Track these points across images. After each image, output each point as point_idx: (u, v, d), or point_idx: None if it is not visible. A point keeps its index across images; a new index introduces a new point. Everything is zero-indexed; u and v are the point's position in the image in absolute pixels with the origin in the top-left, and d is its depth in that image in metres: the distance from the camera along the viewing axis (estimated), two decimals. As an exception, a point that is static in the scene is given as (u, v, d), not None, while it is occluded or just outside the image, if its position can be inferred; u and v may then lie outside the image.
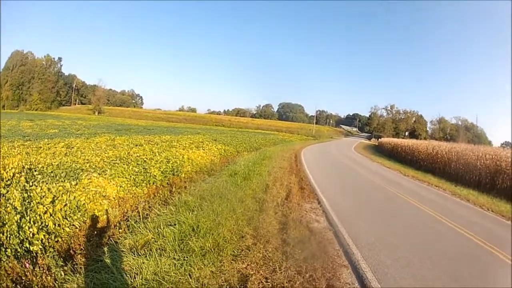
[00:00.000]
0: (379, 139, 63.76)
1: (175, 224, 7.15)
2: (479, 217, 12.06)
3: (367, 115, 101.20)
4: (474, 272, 7.00)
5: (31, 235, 5.76)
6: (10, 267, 5.09)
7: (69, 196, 7.05)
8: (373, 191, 14.99)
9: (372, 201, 12.84)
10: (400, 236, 8.77)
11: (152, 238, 6.50)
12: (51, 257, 5.52)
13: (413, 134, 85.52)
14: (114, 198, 8.14)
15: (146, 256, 5.65)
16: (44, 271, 5.20)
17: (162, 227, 6.88)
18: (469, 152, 22.56)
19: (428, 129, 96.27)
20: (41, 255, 5.59)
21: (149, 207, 8.33)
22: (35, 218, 6.08)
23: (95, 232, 6.70)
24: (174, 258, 5.73)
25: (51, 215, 6.34)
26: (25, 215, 6.01)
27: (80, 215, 6.86)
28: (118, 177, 9.36)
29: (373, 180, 18.26)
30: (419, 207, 12.29)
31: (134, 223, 7.29)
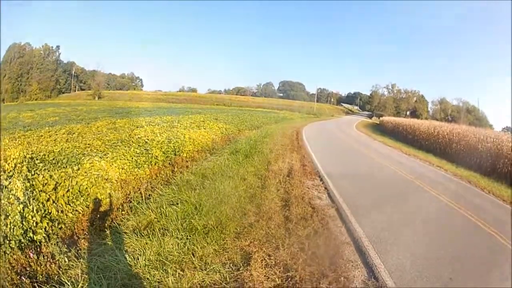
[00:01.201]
0: (380, 118, 63.33)
1: (177, 204, 7.17)
2: (479, 198, 12.04)
3: (368, 94, 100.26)
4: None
5: (34, 224, 5.81)
6: (14, 259, 5.13)
7: (71, 182, 7.04)
8: (377, 173, 14.79)
9: (376, 183, 12.65)
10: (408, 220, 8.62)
11: (154, 218, 6.54)
12: (54, 244, 5.55)
13: (414, 114, 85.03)
14: (116, 180, 8.11)
15: (149, 237, 5.70)
16: (48, 259, 5.22)
17: (164, 207, 6.91)
18: (471, 134, 22.40)
19: (429, 109, 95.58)
20: (45, 244, 5.63)
21: (152, 187, 8.33)
22: (38, 206, 6.11)
23: (98, 216, 6.73)
24: (177, 238, 5.78)
25: (54, 202, 6.37)
26: (28, 204, 6.03)
27: (83, 199, 6.86)
28: (120, 159, 9.33)
29: (378, 161, 18.06)
30: (420, 185, 12.31)
31: (137, 204, 7.32)
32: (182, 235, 5.82)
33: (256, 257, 5.55)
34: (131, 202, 7.51)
